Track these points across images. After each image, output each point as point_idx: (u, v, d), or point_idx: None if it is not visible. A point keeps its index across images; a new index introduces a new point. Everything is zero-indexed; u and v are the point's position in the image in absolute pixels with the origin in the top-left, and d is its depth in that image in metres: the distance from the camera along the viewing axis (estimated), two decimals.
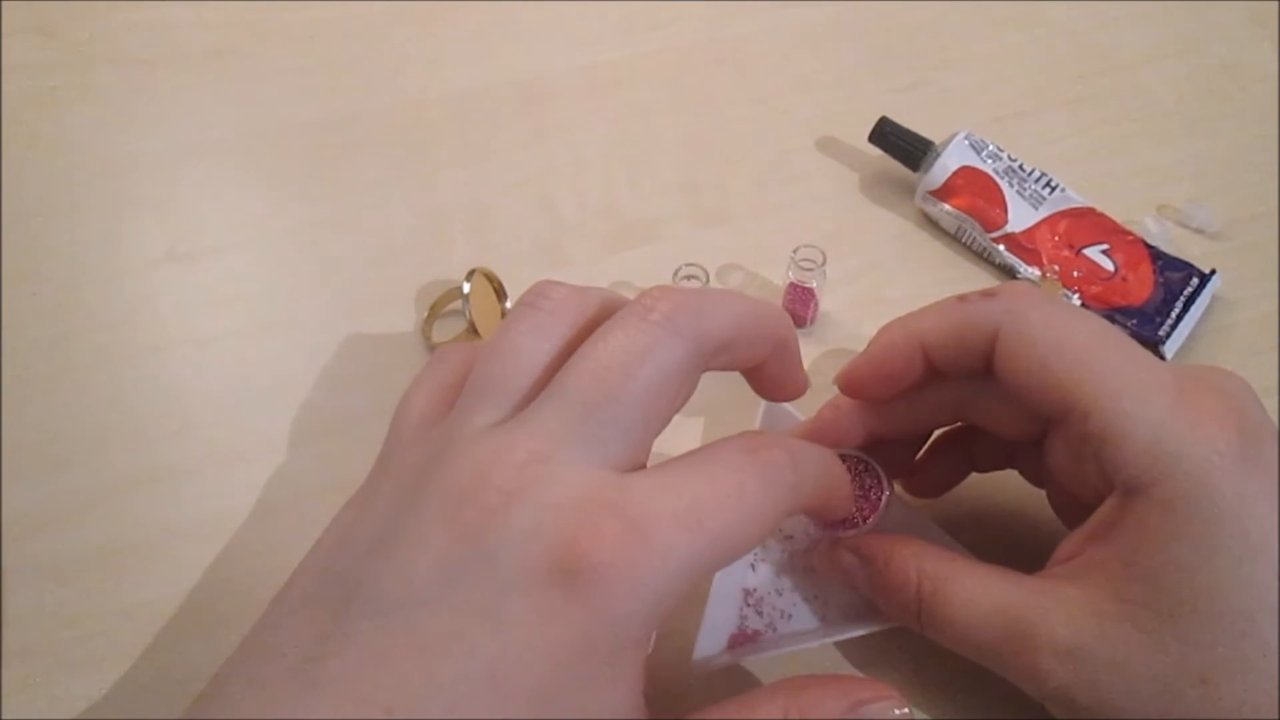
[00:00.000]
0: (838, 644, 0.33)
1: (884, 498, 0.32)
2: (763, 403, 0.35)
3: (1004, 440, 0.32)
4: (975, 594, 0.28)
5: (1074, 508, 0.30)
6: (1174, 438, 0.26)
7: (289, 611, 0.25)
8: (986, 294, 0.29)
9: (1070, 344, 0.27)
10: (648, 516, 0.23)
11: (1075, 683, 0.26)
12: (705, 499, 0.24)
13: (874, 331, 0.32)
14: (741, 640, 0.32)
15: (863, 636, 0.32)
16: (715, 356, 0.26)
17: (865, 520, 0.32)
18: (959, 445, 0.34)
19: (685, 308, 0.26)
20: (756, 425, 0.34)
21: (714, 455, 0.26)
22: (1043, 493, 0.32)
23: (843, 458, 0.32)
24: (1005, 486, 0.34)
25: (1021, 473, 0.33)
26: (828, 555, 0.32)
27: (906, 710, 0.26)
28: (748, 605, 0.33)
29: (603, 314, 0.27)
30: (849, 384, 0.32)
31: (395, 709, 0.21)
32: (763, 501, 0.25)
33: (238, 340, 0.41)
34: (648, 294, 0.26)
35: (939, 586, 0.28)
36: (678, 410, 0.26)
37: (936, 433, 0.34)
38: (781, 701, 0.26)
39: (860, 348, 0.41)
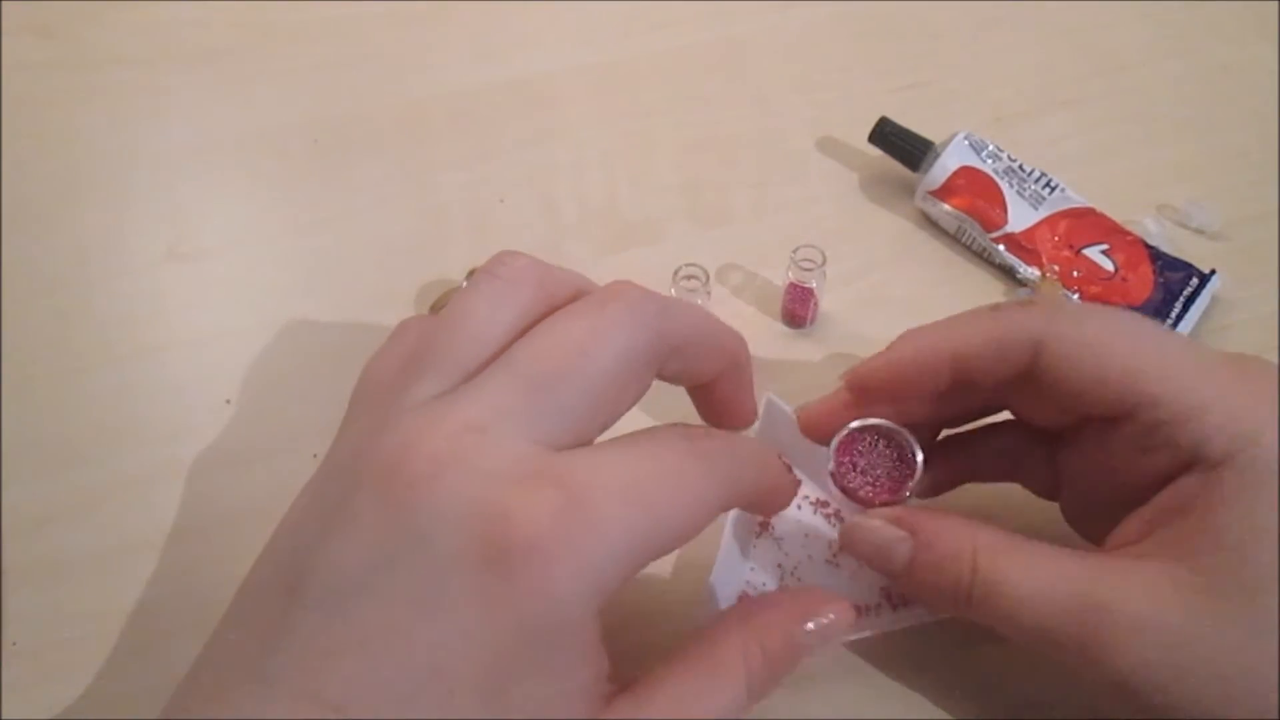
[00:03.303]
0: (835, 646, 0.33)
1: (916, 468, 0.31)
2: (763, 401, 0.35)
3: (1011, 451, 0.32)
4: (1039, 568, 0.27)
5: (1093, 514, 0.29)
6: (1248, 413, 0.26)
7: (244, 603, 0.25)
8: (1021, 305, 0.29)
9: (1124, 341, 0.27)
10: (586, 489, 0.22)
11: (1151, 658, 0.25)
12: (647, 476, 0.23)
13: (874, 331, 0.32)
14: None
15: (860, 640, 0.32)
16: (671, 357, 0.26)
17: (897, 493, 0.31)
18: (963, 449, 0.33)
19: (649, 299, 0.25)
20: (755, 426, 0.34)
21: (653, 436, 0.25)
22: (1039, 509, 0.32)
23: (868, 429, 0.31)
24: (1003, 501, 0.34)
25: (1026, 484, 0.33)
26: (859, 531, 0.29)
27: (853, 615, 0.28)
28: None
29: (573, 298, 0.26)
30: (861, 386, 0.31)
31: (345, 708, 0.21)
32: (704, 487, 0.24)
33: (238, 340, 0.41)
34: (614, 284, 0.26)
35: (997, 560, 0.27)
36: (627, 408, 0.26)
37: (944, 433, 0.34)
38: (738, 638, 0.26)
39: (860, 348, 0.41)
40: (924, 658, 0.33)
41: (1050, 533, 0.33)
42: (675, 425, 0.26)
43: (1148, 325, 0.28)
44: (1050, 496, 0.32)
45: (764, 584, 0.34)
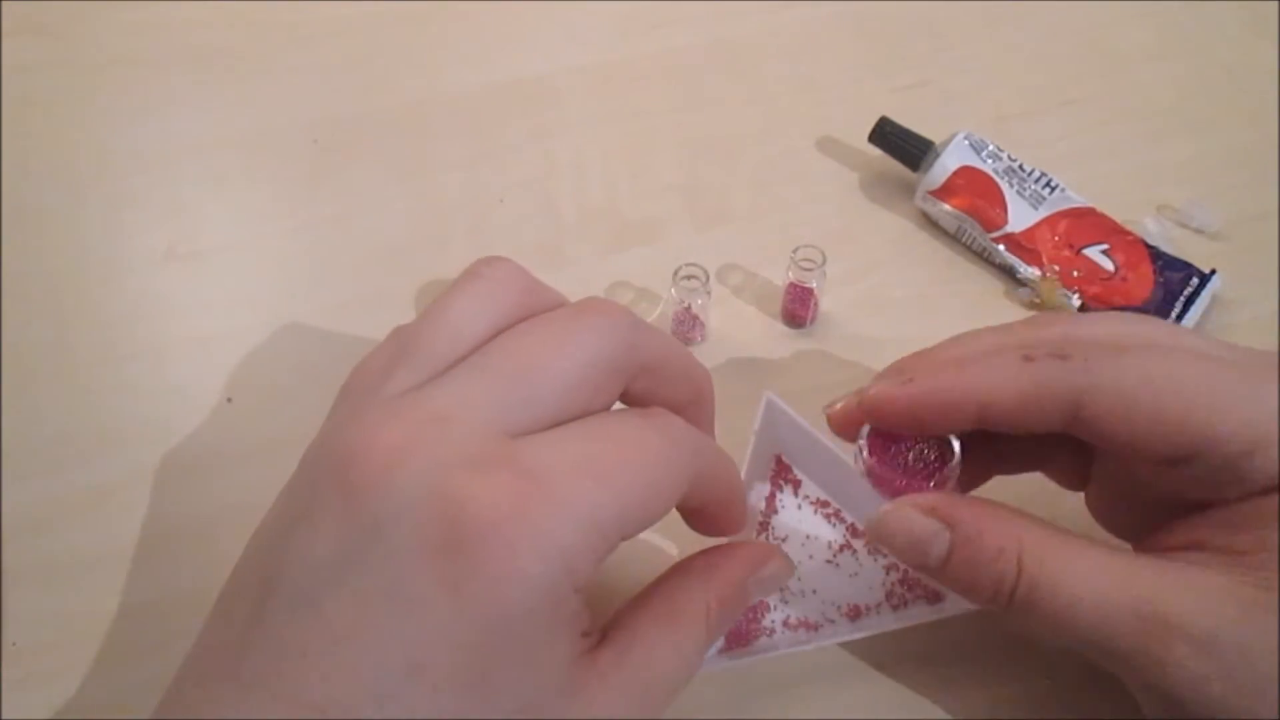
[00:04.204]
0: (835, 646, 0.33)
1: (955, 458, 0.29)
2: (763, 401, 0.35)
3: (1041, 443, 0.30)
4: (1093, 571, 0.25)
5: (1125, 514, 0.29)
6: None
7: (224, 604, 0.25)
8: (1057, 356, 0.26)
9: (1175, 384, 0.25)
10: (544, 468, 0.22)
11: (1209, 675, 0.24)
12: (606, 452, 0.23)
13: (874, 331, 0.32)
14: (737, 643, 0.32)
15: (860, 639, 0.32)
16: (639, 375, 0.26)
17: (931, 480, 0.28)
18: (992, 443, 0.31)
19: (625, 315, 0.26)
20: (755, 426, 0.34)
21: (609, 416, 0.25)
22: (1062, 497, 0.32)
23: None
24: (1026, 491, 0.34)
25: (1051, 475, 0.32)
26: (892, 521, 0.27)
27: (791, 565, 0.29)
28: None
29: (552, 309, 0.27)
30: (876, 413, 0.28)
31: (326, 708, 0.21)
32: (666, 457, 0.24)
33: (238, 340, 0.41)
34: (592, 298, 0.26)
35: (1046, 560, 0.25)
36: (593, 412, 0.26)
37: None
38: (700, 591, 0.27)
39: (860, 347, 0.41)
40: (925, 658, 0.33)
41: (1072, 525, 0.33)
42: (626, 409, 0.26)
43: (1189, 354, 0.26)
44: (1076, 488, 0.31)
45: None
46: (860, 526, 0.35)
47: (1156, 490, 0.27)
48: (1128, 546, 0.30)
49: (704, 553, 0.28)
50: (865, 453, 0.30)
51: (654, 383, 0.27)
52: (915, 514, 0.27)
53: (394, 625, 0.21)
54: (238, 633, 0.23)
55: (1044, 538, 0.26)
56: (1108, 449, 0.27)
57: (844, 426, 0.30)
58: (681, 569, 0.28)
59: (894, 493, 0.29)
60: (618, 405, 0.27)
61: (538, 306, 0.26)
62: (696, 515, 0.29)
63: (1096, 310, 0.40)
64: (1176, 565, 0.26)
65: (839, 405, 0.30)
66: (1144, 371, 0.26)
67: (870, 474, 0.30)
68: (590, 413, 0.25)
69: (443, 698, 0.21)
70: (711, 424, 0.30)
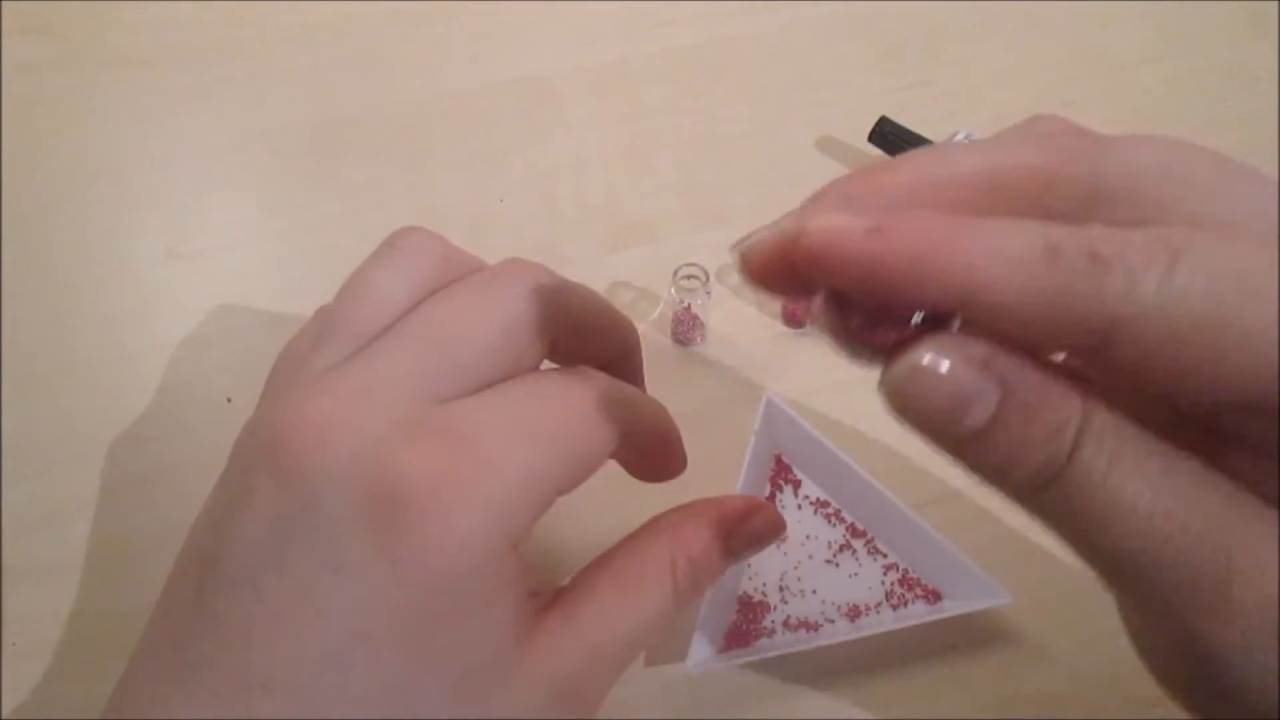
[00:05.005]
0: (835, 646, 0.33)
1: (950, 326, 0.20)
2: (763, 401, 0.35)
3: None
4: (1160, 475, 0.19)
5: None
6: None
7: (166, 594, 0.25)
8: (1092, 257, 0.18)
9: (1256, 318, 0.17)
10: (472, 430, 0.23)
11: (1258, 643, 0.18)
12: (532, 410, 0.24)
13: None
14: (737, 643, 0.32)
15: (860, 640, 0.32)
16: (565, 332, 0.26)
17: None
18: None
19: (544, 274, 0.26)
20: (755, 426, 0.34)
21: (534, 375, 0.25)
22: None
23: None
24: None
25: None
26: (921, 373, 0.19)
27: (782, 522, 0.27)
28: (743, 608, 0.33)
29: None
30: (818, 262, 0.20)
31: (270, 683, 0.21)
32: (593, 412, 0.24)
33: (238, 340, 0.41)
34: (511, 259, 0.26)
35: (1111, 450, 0.19)
36: (519, 374, 0.25)
37: None
38: (665, 548, 0.26)
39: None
40: (924, 658, 0.33)
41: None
42: (557, 368, 0.26)
43: (1261, 252, 0.18)
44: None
45: (763, 584, 0.34)
46: (860, 526, 0.35)
47: (1192, 417, 0.20)
48: None
49: (676, 509, 0.28)
50: (821, 305, 0.21)
51: (579, 340, 0.27)
52: (961, 365, 0.19)
53: (333, 596, 0.22)
54: (180, 621, 0.23)
55: (1111, 422, 0.19)
56: (1140, 385, 0.19)
57: (764, 273, 0.22)
58: (650, 526, 0.27)
59: (871, 345, 0.20)
60: (547, 365, 0.27)
61: (457, 272, 0.26)
62: (634, 465, 0.28)
63: None
64: (1254, 503, 0.19)
65: (758, 238, 0.23)
66: (1210, 295, 0.17)
67: (832, 321, 0.20)
68: (516, 374, 0.25)
69: (385, 664, 0.22)
70: (640, 375, 0.29)
